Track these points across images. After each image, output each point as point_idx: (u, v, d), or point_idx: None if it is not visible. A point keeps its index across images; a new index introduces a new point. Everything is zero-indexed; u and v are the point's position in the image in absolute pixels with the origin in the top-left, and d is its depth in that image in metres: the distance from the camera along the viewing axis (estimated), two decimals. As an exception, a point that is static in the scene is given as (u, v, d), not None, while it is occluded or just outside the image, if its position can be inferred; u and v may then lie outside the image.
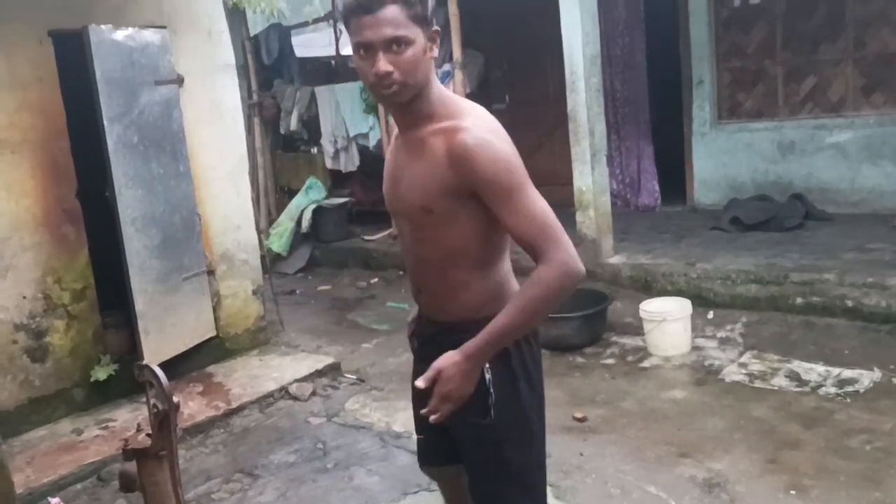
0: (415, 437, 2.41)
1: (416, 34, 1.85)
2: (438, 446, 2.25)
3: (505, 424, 2.03)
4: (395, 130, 2.14)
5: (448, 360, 1.90)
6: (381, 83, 1.85)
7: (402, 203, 2.04)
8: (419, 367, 2.13)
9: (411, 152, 1.98)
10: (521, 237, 1.88)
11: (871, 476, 3.39)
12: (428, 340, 2.18)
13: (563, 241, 1.88)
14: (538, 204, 1.90)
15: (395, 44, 1.82)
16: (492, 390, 2.00)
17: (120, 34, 4.59)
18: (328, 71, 9.92)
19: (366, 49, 1.85)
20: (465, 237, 1.99)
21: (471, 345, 1.89)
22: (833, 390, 4.26)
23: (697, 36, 7.60)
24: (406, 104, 1.93)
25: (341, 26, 9.68)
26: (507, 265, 2.13)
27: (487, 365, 1.96)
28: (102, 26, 4.49)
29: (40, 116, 4.47)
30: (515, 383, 2.04)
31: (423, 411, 1.95)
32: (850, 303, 5.00)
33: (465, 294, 2.05)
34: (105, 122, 4.48)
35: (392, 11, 1.81)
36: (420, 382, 1.90)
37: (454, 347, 1.92)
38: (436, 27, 1.91)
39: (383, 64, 1.82)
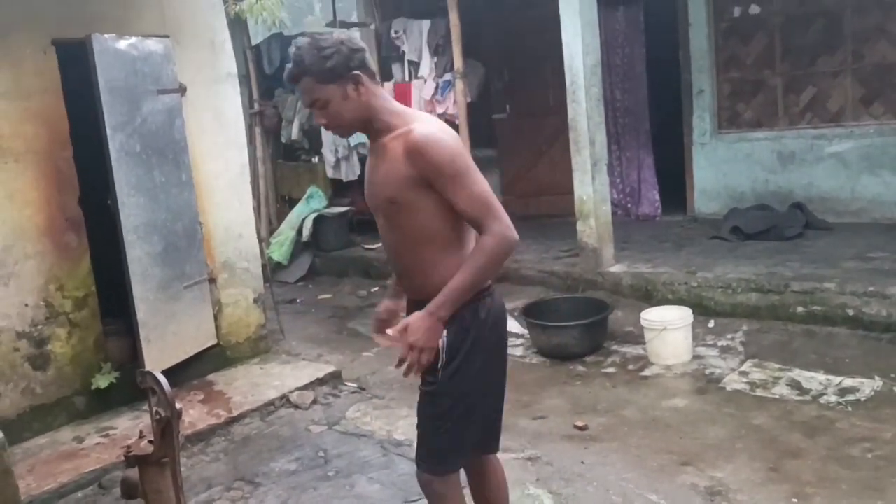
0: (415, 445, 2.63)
1: (330, 92, 2.31)
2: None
3: (447, 384, 2.40)
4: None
5: (414, 315, 2.34)
6: (325, 128, 2.41)
7: (376, 199, 2.43)
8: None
9: (379, 157, 2.39)
10: (467, 214, 2.29)
11: (872, 484, 3.39)
12: (409, 312, 2.51)
13: (501, 216, 2.28)
14: (480, 186, 2.29)
15: (317, 104, 2.34)
16: (445, 353, 2.36)
17: (123, 43, 4.61)
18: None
19: (308, 106, 2.40)
20: (431, 222, 2.34)
21: (432, 304, 2.30)
22: (834, 399, 4.26)
23: (697, 46, 7.64)
24: (361, 129, 2.41)
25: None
26: (472, 244, 2.41)
27: (445, 331, 2.34)
28: (106, 35, 4.51)
29: (44, 125, 4.49)
30: (468, 352, 2.39)
31: (395, 366, 2.37)
32: (850, 311, 5.01)
33: (437, 272, 2.37)
34: (108, 131, 4.50)
35: (305, 83, 2.32)
36: (391, 331, 2.39)
37: None
38: (353, 73, 2.30)
39: (317, 118, 2.39)
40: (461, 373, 2.40)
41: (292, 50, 2.33)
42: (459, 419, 2.46)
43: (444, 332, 2.35)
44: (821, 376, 4.54)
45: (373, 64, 2.39)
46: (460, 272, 2.28)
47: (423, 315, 2.30)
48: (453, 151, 2.28)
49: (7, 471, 2.08)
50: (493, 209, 2.27)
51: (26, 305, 4.45)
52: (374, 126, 2.38)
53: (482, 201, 2.27)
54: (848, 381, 4.43)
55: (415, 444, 2.64)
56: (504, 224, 2.27)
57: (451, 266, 2.35)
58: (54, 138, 4.53)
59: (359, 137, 8.44)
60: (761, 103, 7.48)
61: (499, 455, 3.88)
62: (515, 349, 5.65)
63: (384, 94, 2.42)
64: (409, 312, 2.53)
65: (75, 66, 4.53)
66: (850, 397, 4.25)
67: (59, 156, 4.56)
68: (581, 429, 4.23)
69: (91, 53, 4.43)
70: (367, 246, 8.41)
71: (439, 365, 2.37)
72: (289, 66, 2.33)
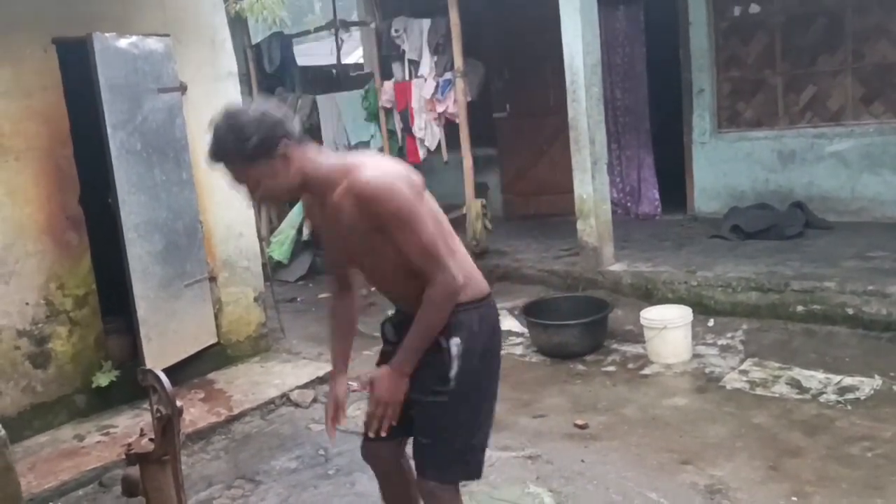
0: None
1: (259, 170, 2.22)
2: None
3: (460, 391, 2.39)
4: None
5: (380, 371, 2.41)
6: (262, 202, 2.29)
7: (349, 253, 2.45)
8: (387, 346, 2.60)
9: (333, 217, 2.32)
10: (415, 262, 2.29)
11: (872, 483, 3.39)
12: (399, 324, 2.53)
13: (445, 265, 2.28)
14: (426, 234, 2.27)
15: (243, 182, 2.27)
16: (456, 361, 2.36)
17: (124, 42, 4.62)
18: (329, 79, 9.96)
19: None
20: (397, 256, 2.31)
21: (395, 361, 2.37)
22: (834, 398, 4.26)
23: (697, 46, 7.64)
24: (299, 193, 2.37)
25: (343, 35, 9.75)
26: (458, 256, 2.42)
27: (455, 340, 2.36)
28: (106, 34, 4.51)
29: (44, 124, 4.49)
30: (475, 359, 2.40)
31: (364, 424, 2.44)
32: (850, 311, 5.01)
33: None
34: (108, 129, 4.51)
35: (226, 166, 2.25)
36: (355, 383, 2.46)
37: None
38: (278, 146, 2.20)
39: (251, 197, 2.35)
40: (472, 378, 2.42)
41: (211, 131, 2.23)
42: (475, 424, 2.47)
43: (457, 341, 2.37)
44: (820, 375, 4.55)
45: (296, 126, 2.29)
46: (414, 328, 2.34)
47: (389, 371, 2.37)
48: (400, 200, 2.23)
49: (9, 467, 2.08)
50: (437, 259, 2.28)
51: (27, 304, 4.46)
52: (311, 187, 2.32)
53: (428, 251, 2.27)
54: (848, 380, 4.43)
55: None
56: (448, 274, 2.28)
57: None
58: (55, 136, 4.54)
59: (360, 136, 8.50)
60: (761, 102, 7.49)
61: (499, 453, 3.91)
62: (515, 348, 5.65)
63: (314, 152, 2.33)
64: (396, 319, 2.59)
65: (76, 64, 4.53)
66: (850, 396, 4.25)
67: (59, 154, 4.56)
68: (581, 427, 4.23)
69: (92, 52, 4.44)
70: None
71: (452, 373, 2.37)
72: (208, 146, 2.24)
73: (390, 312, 2.67)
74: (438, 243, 2.30)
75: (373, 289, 2.67)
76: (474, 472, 2.52)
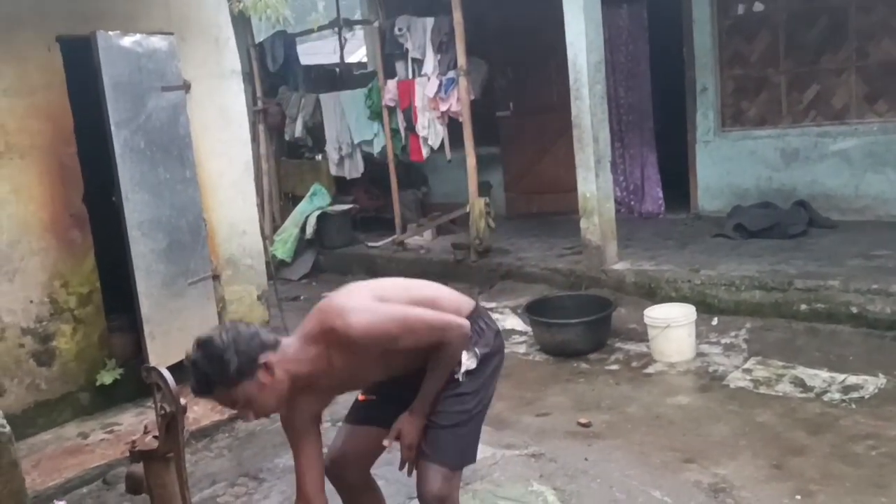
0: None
1: (246, 389, 2.25)
2: (379, 410, 2.65)
3: (469, 384, 2.53)
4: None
5: (403, 421, 2.51)
6: (257, 417, 2.38)
7: (378, 376, 2.53)
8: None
9: (343, 365, 2.37)
10: (426, 348, 2.41)
11: (876, 481, 3.39)
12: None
13: (448, 325, 2.41)
14: (421, 327, 2.38)
15: (238, 405, 2.31)
16: (474, 364, 2.53)
17: (128, 40, 4.62)
18: (333, 78, 9.97)
19: None
20: (415, 350, 2.43)
21: (416, 407, 2.49)
22: (838, 396, 4.26)
23: (701, 44, 7.63)
24: (294, 392, 2.37)
25: (346, 34, 9.75)
26: (442, 304, 2.53)
27: (478, 350, 2.53)
28: (110, 32, 4.52)
29: (48, 122, 4.50)
30: (487, 358, 2.57)
31: (400, 469, 2.59)
32: (854, 309, 5.00)
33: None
34: (112, 127, 4.51)
35: (217, 395, 2.29)
36: (386, 441, 2.56)
37: None
38: (259, 362, 2.25)
39: (246, 417, 2.37)
40: (479, 374, 2.55)
41: (190, 367, 2.26)
42: (480, 415, 2.62)
43: (478, 350, 2.53)
44: (824, 374, 4.54)
45: (270, 335, 2.35)
46: (430, 378, 2.46)
47: (411, 419, 2.50)
48: (381, 328, 2.33)
49: (14, 463, 2.09)
50: (439, 329, 2.40)
51: (31, 301, 4.47)
52: (302, 381, 2.36)
53: (429, 333, 2.39)
54: (852, 379, 4.43)
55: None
56: (454, 330, 2.42)
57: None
58: (59, 134, 4.55)
59: (363, 135, 8.51)
60: (765, 101, 7.47)
61: (503, 451, 3.91)
62: (519, 346, 5.65)
63: (291, 347, 2.36)
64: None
65: (80, 62, 4.53)
66: (854, 395, 4.25)
67: (63, 152, 4.57)
68: (584, 426, 4.23)
69: (96, 50, 4.44)
70: (370, 243, 8.42)
71: (460, 373, 2.51)
72: (192, 383, 2.26)
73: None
74: (431, 319, 2.41)
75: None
76: (474, 455, 2.66)
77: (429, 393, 2.49)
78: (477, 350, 2.54)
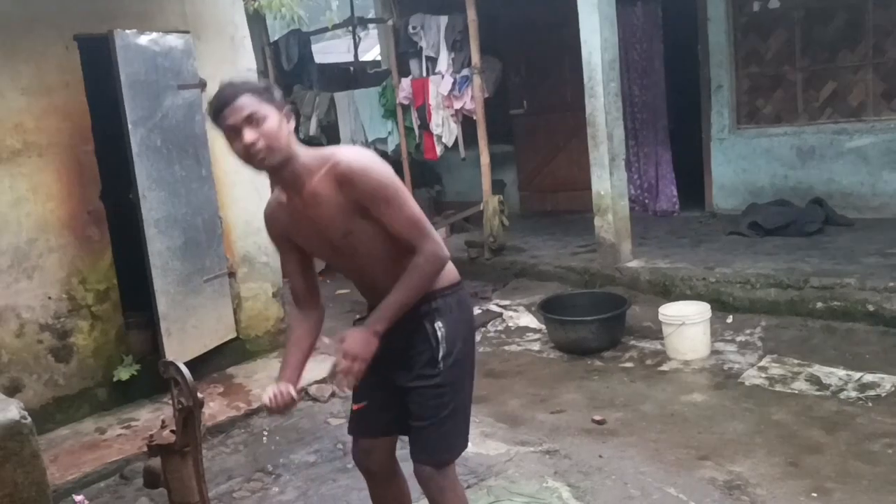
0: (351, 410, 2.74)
1: (269, 110, 2.26)
2: (378, 417, 2.64)
3: (448, 374, 2.47)
4: (275, 204, 2.48)
5: (353, 329, 2.39)
6: (251, 152, 2.25)
7: (332, 241, 2.41)
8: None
9: (313, 204, 2.35)
10: (401, 236, 2.33)
11: (893, 480, 3.36)
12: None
13: (432, 235, 2.36)
14: (410, 207, 2.33)
15: (253, 119, 2.24)
16: (442, 346, 2.45)
17: (144, 39, 4.65)
18: (347, 77, 10.00)
19: (234, 131, 2.26)
20: (386, 237, 2.36)
21: (369, 321, 2.36)
22: (854, 394, 4.23)
23: (716, 41, 7.60)
24: (281, 168, 2.31)
25: (360, 32, 9.78)
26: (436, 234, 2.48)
27: (439, 324, 2.46)
28: (127, 31, 4.55)
29: (66, 120, 4.54)
30: (458, 341, 2.49)
31: (327, 376, 2.40)
32: (871, 307, 4.97)
33: None
34: (129, 126, 4.55)
35: (244, 99, 2.25)
36: (327, 339, 2.44)
37: (409, 321, 2.42)
38: (287, 109, 2.33)
39: (248, 134, 2.23)
40: (459, 360, 2.50)
41: (222, 86, 2.30)
42: (463, 406, 2.57)
43: (441, 324, 2.46)
44: (840, 372, 4.52)
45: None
46: (395, 290, 2.35)
47: (363, 331, 2.36)
48: (381, 176, 2.30)
49: (35, 454, 2.12)
50: (424, 229, 2.34)
51: (49, 298, 4.51)
52: (293, 168, 2.32)
53: (413, 223, 2.33)
54: (868, 377, 4.40)
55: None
56: (436, 243, 2.36)
57: None
58: (76, 133, 4.59)
59: (377, 133, 8.52)
60: (781, 98, 7.43)
61: (517, 448, 3.92)
62: (533, 344, 5.66)
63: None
64: (385, 334, 2.53)
65: (97, 61, 4.57)
66: (871, 393, 4.22)
67: (81, 150, 4.61)
68: (599, 423, 4.23)
69: (113, 49, 4.48)
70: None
71: (440, 356, 2.45)
72: (219, 92, 2.29)
73: (359, 316, 2.69)
74: (422, 215, 2.36)
75: (352, 283, 2.65)
76: (460, 448, 2.60)
77: (388, 307, 2.35)
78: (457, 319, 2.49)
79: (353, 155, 2.32)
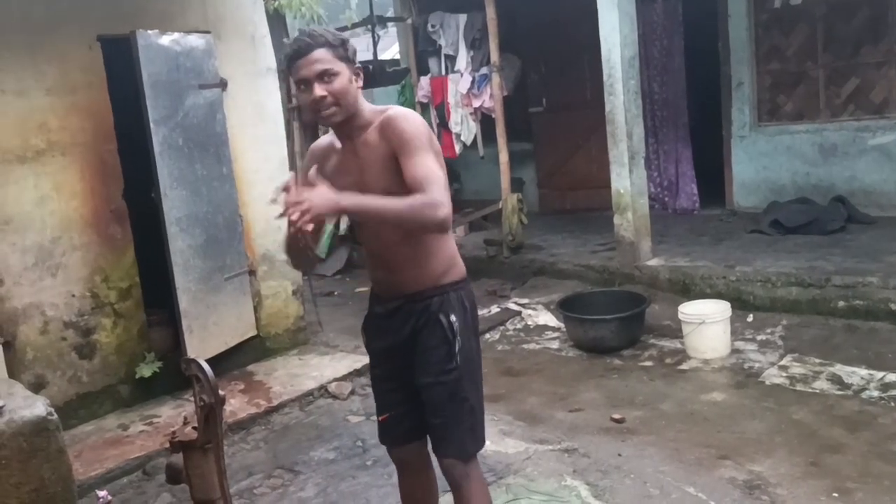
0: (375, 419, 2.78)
1: (341, 68, 2.33)
2: (403, 425, 2.66)
3: (464, 367, 2.49)
4: (326, 144, 2.56)
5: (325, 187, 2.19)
6: (318, 107, 2.33)
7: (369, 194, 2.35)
8: (380, 343, 2.63)
9: (363, 156, 2.41)
10: (414, 179, 2.26)
11: (915, 480, 3.34)
12: (392, 312, 2.55)
13: (443, 191, 2.25)
14: (434, 162, 2.31)
15: (325, 76, 2.30)
16: (458, 339, 2.46)
17: (166, 39, 4.69)
18: (365, 75, 9.98)
19: (305, 84, 2.32)
20: None
21: (351, 196, 2.22)
22: (876, 394, 4.20)
23: (737, 38, 7.55)
24: (344, 123, 2.39)
25: (379, 31, 9.82)
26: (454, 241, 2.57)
27: (454, 317, 2.46)
28: (149, 31, 4.59)
29: (89, 119, 4.59)
30: (469, 335, 2.52)
31: (287, 196, 2.15)
32: (893, 306, 4.93)
33: (429, 261, 2.47)
34: (151, 125, 4.59)
35: (319, 53, 2.30)
36: (284, 188, 2.16)
37: (420, 313, 2.47)
38: (358, 65, 2.40)
39: (317, 90, 2.30)
40: (470, 353, 2.53)
41: (300, 35, 2.35)
42: (479, 397, 2.59)
43: (455, 318, 2.47)
44: (863, 371, 4.48)
45: None
46: (389, 199, 2.22)
47: (335, 193, 2.19)
48: (416, 127, 2.33)
49: (61, 449, 2.15)
50: (438, 182, 2.26)
51: (73, 296, 4.56)
52: (355, 123, 2.40)
53: (432, 176, 2.26)
54: (891, 376, 4.36)
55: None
56: (442, 195, 2.23)
57: (442, 257, 2.49)
58: (99, 132, 4.63)
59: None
60: (802, 95, 7.37)
61: (535, 446, 3.92)
62: (552, 342, 5.66)
63: None
64: (377, 312, 2.61)
65: (119, 61, 4.62)
66: (893, 392, 4.19)
67: (103, 149, 4.65)
68: (618, 421, 4.22)
69: (135, 49, 4.52)
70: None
71: (456, 349, 2.46)
72: (295, 42, 2.32)
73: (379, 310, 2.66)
74: (443, 177, 2.30)
75: (367, 255, 2.66)
76: (482, 440, 2.62)
77: (367, 198, 2.25)
78: (466, 303, 2.52)
79: (400, 109, 2.41)
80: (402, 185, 2.29)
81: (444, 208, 2.24)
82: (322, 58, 2.30)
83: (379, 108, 2.46)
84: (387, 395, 2.67)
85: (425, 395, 2.53)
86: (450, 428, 2.53)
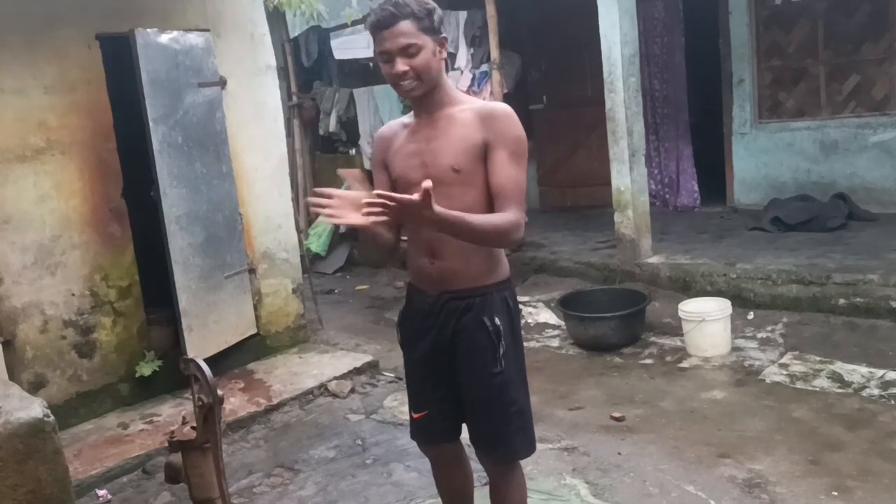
0: (409, 416, 2.73)
1: (426, 41, 2.27)
2: (439, 424, 2.61)
3: (510, 370, 2.45)
4: (394, 124, 2.55)
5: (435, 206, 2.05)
6: (400, 81, 2.30)
7: (431, 168, 2.35)
8: (420, 343, 2.54)
9: (440, 127, 2.36)
10: (503, 190, 2.28)
11: (916, 478, 3.34)
12: (432, 309, 2.48)
13: (522, 209, 2.30)
14: (522, 176, 2.33)
15: (408, 50, 2.25)
16: (503, 342, 2.41)
17: (165, 37, 4.69)
18: (366, 73, 9.97)
19: (387, 56, 2.28)
20: (481, 199, 2.33)
21: (443, 211, 2.05)
22: (877, 392, 4.19)
23: (737, 35, 7.53)
24: (424, 96, 2.35)
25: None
26: None
27: (498, 320, 2.41)
28: (148, 30, 4.59)
29: (89, 118, 4.58)
30: (515, 339, 2.50)
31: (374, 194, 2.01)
32: (894, 304, 4.92)
33: (477, 257, 2.40)
34: (150, 123, 4.59)
35: (404, 25, 2.25)
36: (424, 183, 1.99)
37: (462, 313, 2.41)
38: (443, 35, 2.35)
39: (400, 65, 2.26)
40: (516, 354, 2.50)
41: (384, 3, 2.27)
42: (527, 399, 2.56)
43: (499, 320, 2.42)
44: (863, 369, 4.47)
45: None
46: (476, 217, 2.18)
47: (437, 209, 2.02)
48: (520, 132, 2.33)
49: (58, 451, 2.15)
50: (520, 198, 2.31)
51: (72, 294, 4.56)
52: (437, 97, 2.37)
53: (516, 184, 2.30)
54: (891, 374, 4.35)
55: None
56: (522, 216, 2.29)
57: (489, 254, 2.43)
58: (98, 130, 4.63)
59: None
60: (803, 92, 7.36)
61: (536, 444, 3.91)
62: (552, 340, 5.65)
63: None
64: (416, 308, 2.55)
65: (118, 59, 4.61)
66: (893, 390, 4.18)
67: (103, 147, 4.65)
68: (618, 420, 4.22)
69: (134, 47, 4.51)
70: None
71: (501, 353, 2.42)
72: (380, 10, 2.26)
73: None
74: (525, 192, 2.34)
75: (411, 243, 2.56)
76: (533, 444, 2.59)
77: (461, 218, 2.12)
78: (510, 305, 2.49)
79: (510, 108, 2.37)
80: (468, 167, 2.30)
81: (523, 229, 2.31)
82: (406, 31, 2.25)
83: (468, 97, 2.46)
84: (424, 393, 2.62)
85: (469, 398, 2.50)
86: (496, 432, 2.49)
